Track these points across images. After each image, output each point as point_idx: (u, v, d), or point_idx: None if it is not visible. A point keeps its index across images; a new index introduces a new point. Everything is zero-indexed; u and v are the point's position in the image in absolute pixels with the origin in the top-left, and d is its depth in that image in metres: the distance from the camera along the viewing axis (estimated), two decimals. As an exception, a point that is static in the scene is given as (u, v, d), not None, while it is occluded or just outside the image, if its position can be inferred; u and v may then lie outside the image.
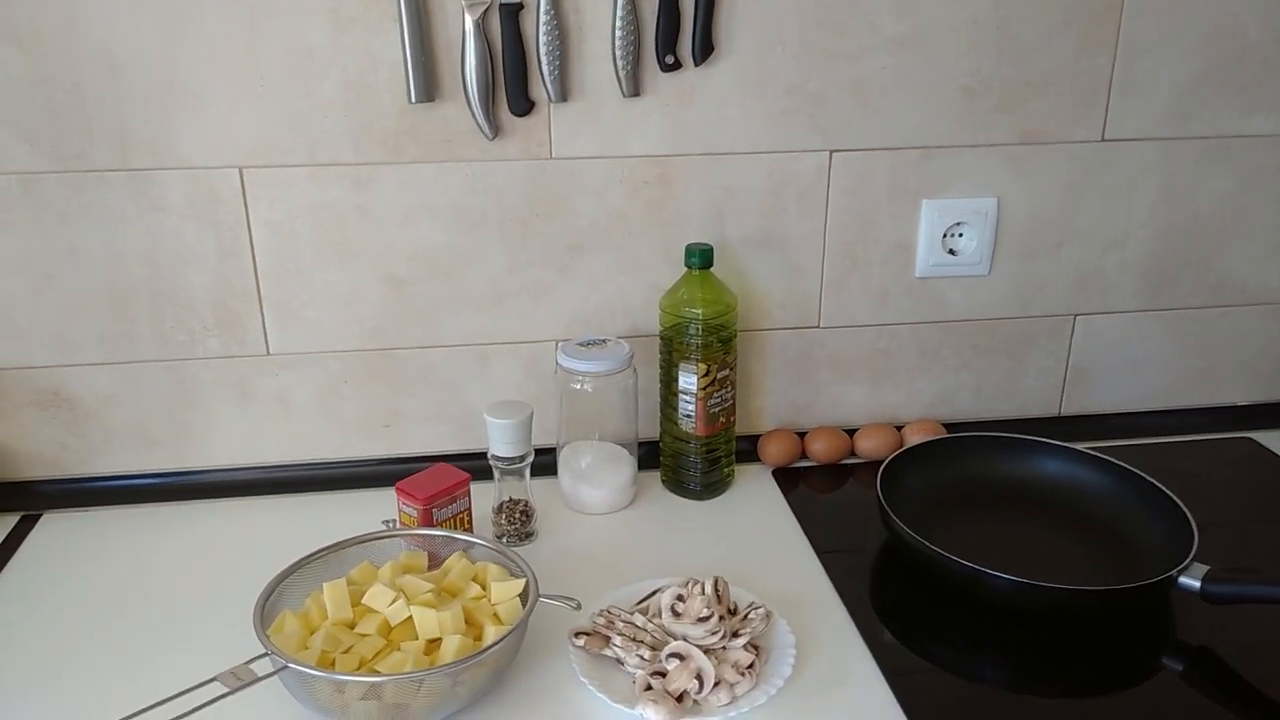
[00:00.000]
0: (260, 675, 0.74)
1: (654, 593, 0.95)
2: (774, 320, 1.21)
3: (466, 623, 0.85)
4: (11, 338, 1.09)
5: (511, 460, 1.05)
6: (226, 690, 0.72)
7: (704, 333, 1.10)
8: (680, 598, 0.89)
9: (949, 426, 1.26)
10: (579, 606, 0.87)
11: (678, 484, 1.17)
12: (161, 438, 1.16)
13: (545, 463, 1.15)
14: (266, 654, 0.77)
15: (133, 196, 1.06)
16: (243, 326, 1.13)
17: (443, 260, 1.13)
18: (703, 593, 0.89)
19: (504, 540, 1.07)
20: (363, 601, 0.84)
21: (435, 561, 0.96)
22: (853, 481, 1.21)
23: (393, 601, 0.84)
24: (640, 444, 1.18)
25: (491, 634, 0.82)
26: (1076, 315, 1.27)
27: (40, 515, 1.13)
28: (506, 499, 1.07)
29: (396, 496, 1.02)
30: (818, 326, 1.23)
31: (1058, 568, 1.00)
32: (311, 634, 0.82)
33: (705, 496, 1.16)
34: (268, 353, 1.14)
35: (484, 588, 0.89)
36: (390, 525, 0.96)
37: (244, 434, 1.17)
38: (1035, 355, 1.28)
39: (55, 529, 1.11)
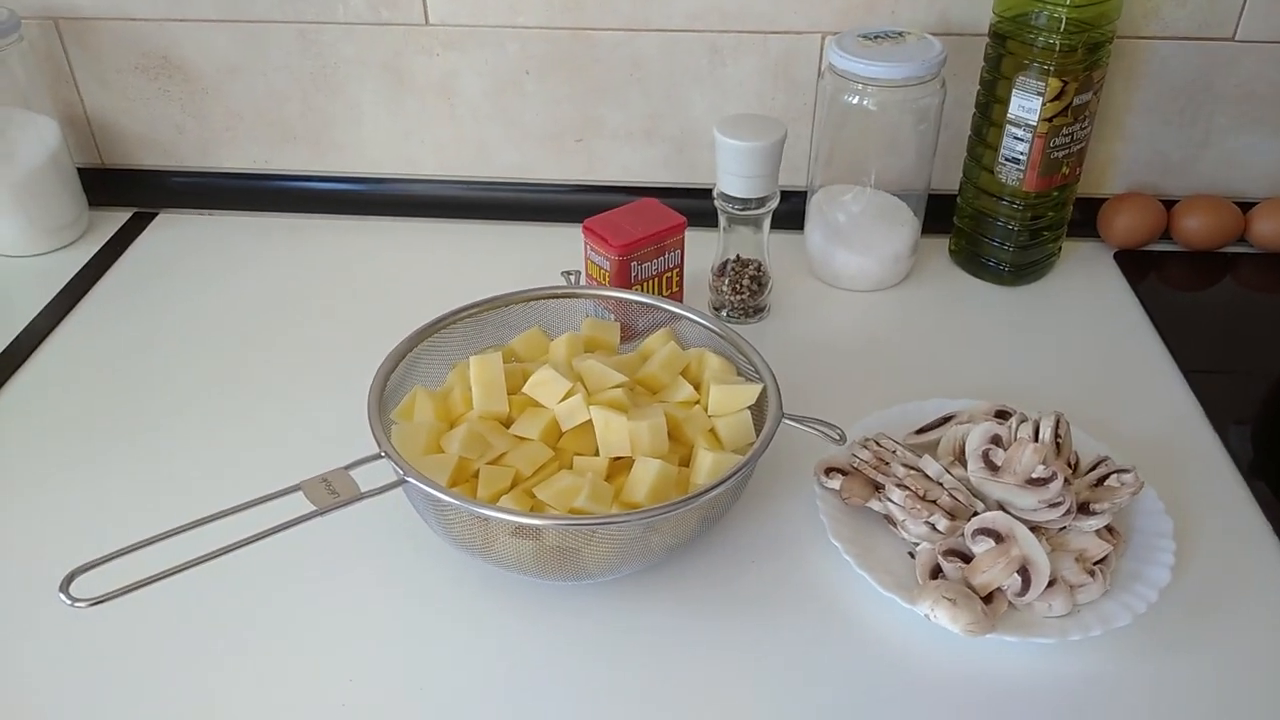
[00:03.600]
0: (363, 492, 0.49)
1: (944, 420, 0.63)
2: (1164, 23, 0.79)
3: (671, 438, 0.57)
4: (108, -22, 0.83)
5: (748, 203, 0.72)
6: (314, 510, 0.48)
7: (1066, 30, 0.70)
8: (997, 440, 0.57)
9: (1404, 213, 0.82)
10: (843, 438, 0.56)
11: (974, 260, 0.82)
12: (298, 129, 0.90)
13: (789, 211, 0.82)
14: (381, 454, 0.52)
15: None
16: (394, -19, 0.82)
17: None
18: (1035, 437, 0.57)
19: (724, 314, 0.77)
20: (524, 390, 0.57)
21: (629, 337, 0.67)
22: (1235, 280, 0.82)
23: (567, 396, 0.56)
24: (928, 198, 0.82)
25: (707, 466, 0.54)
26: None
27: (155, 215, 0.92)
28: (733, 257, 0.76)
29: (584, 239, 0.73)
30: (1232, 39, 0.79)
31: None
32: (451, 427, 0.57)
33: (1015, 281, 0.81)
34: (426, 21, 0.84)
35: (698, 388, 0.60)
36: (573, 279, 0.68)
37: (398, 133, 0.89)
38: None
39: (169, 232, 0.89)
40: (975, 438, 0.58)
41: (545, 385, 0.56)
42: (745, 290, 0.76)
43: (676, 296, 0.76)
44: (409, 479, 0.50)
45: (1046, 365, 0.73)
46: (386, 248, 0.87)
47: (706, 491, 0.51)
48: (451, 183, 0.91)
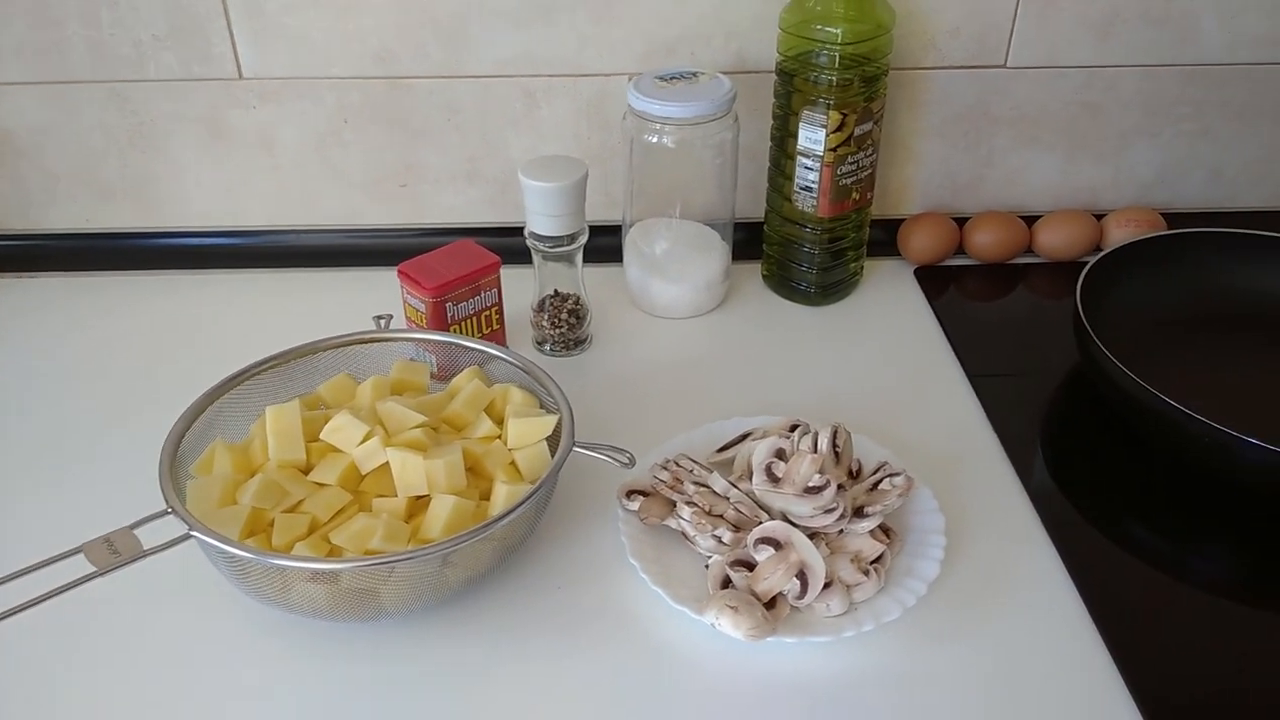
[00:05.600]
0: (146, 550, 0.50)
1: (743, 437, 0.67)
2: (940, 55, 0.85)
3: (471, 473, 0.59)
4: (-96, 43, 0.82)
5: (556, 241, 0.75)
6: (95, 570, 0.48)
7: (841, 65, 0.75)
8: (781, 453, 0.61)
9: (1169, 220, 0.90)
10: (632, 462, 0.59)
11: (784, 283, 0.86)
12: (118, 187, 0.89)
13: (609, 245, 0.86)
14: (168, 510, 0.52)
15: None
16: (205, 36, 0.83)
17: (469, -52, 0.80)
18: (815, 448, 0.61)
19: (546, 348, 0.80)
20: (321, 436, 0.59)
21: (446, 378, 0.69)
22: (1024, 288, 0.89)
23: (365, 439, 0.58)
24: (736, 226, 0.87)
25: (502, 498, 0.56)
26: (1387, 64, 0.87)
27: (-29, 280, 0.90)
28: (551, 292, 0.79)
29: (400, 283, 0.75)
30: (1003, 66, 0.86)
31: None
32: (251, 478, 0.57)
33: (821, 301, 0.86)
34: (240, 75, 0.85)
35: (500, 423, 0.62)
36: (384, 323, 0.69)
37: (221, 186, 0.90)
38: (1314, 122, 0.89)
39: (-13, 298, 0.88)
40: (760, 452, 0.61)
41: (342, 430, 0.58)
42: (564, 324, 0.79)
43: (497, 334, 0.78)
44: (194, 533, 0.50)
45: (848, 378, 0.77)
46: (216, 301, 0.87)
47: (495, 522, 0.53)
48: (280, 233, 0.92)
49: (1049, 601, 0.59)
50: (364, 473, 0.58)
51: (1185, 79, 0.86)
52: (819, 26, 0.75)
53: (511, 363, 0.65)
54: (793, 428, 0.66)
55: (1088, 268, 0.75)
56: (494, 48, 0.84)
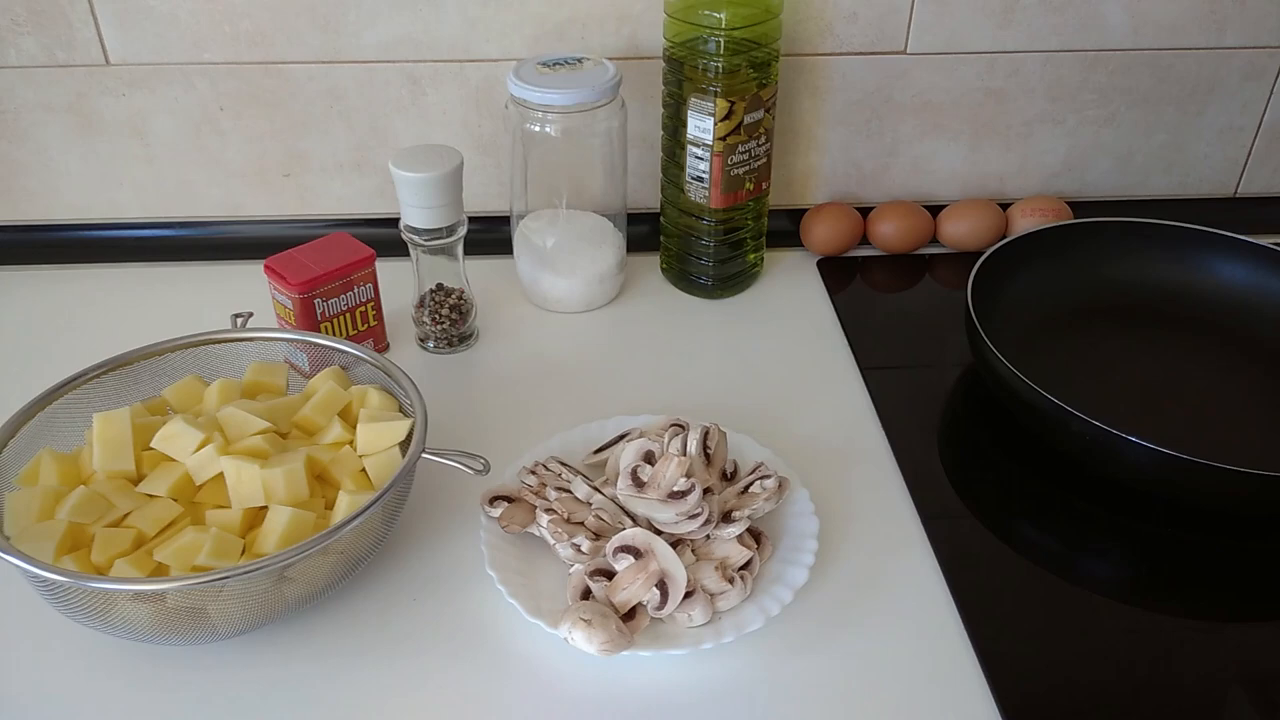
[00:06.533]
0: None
1: (620, 438, 0.64)
2: (838, 40, 0.83)
3: (320, 481, 0.56)
4: None
5: (433, 234, 0.72)
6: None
7: (728, 51, 0.72)
8: (649, 456, 0.58)
9: (1076, 208, 0.89)
10: (486, 468, 0.56)
11: (682, 275, 0.84)
12: (-17, 179, 0.85)
13: (505, 236, 0.83)
14: (-25, 528, 0.49)
15: None
16: (66, 20, 0.78)
17: (342, -74, 0.76)
18: (683, 451, 0.58)
19: (430, 345, 0.77)
20: (153, 444, 0.55)
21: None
22: (930, 279, 0.87)
23: (200, 447, 0.54)
24: (633, 216, 0.84)
25: (344, 507, 0.53)
26: (1291, 50, 0.85)
27: None
28: (434, 286, 0.76)
29: (267, 279, 0.71)
30: (903, 52, 0.83)
31: (1228, 429, 0.67)
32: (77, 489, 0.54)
33: (720, 294, 0.83)
34: (107, 62, 0.80)
35: (355, 428, 0.59)
36: (241, 321, 0.66)
37: (93, 177, 0.85)
38: (1219, 107, 0.87)
39: None
40: (628, 455, 0.59)
41: (175, 438, 0.54)
42: (446, 320, 0.75)
43: (374, 331, 0.75)
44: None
45: (742, 374, 0.75)
46: (88, 296, 0.83)
47: (333, 532, 0.50)
48: (158, 225, 0.87)
49: (919, 607, 0.57)
50: (198, 483, 0.54)
51: (1089, 65, 0.85)
52: (704, 11, 0.72)
53: (370, 362, 0.62)
54: (674, 426, 0.64)
55: (981, 260, 0.73)
56: (375, 31, 0.80)
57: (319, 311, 0.71)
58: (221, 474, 0.54)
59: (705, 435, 0.59)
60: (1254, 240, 0.77)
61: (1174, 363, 0.74)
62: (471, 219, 0.80)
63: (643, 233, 0.86)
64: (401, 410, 0.60)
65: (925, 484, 0.65)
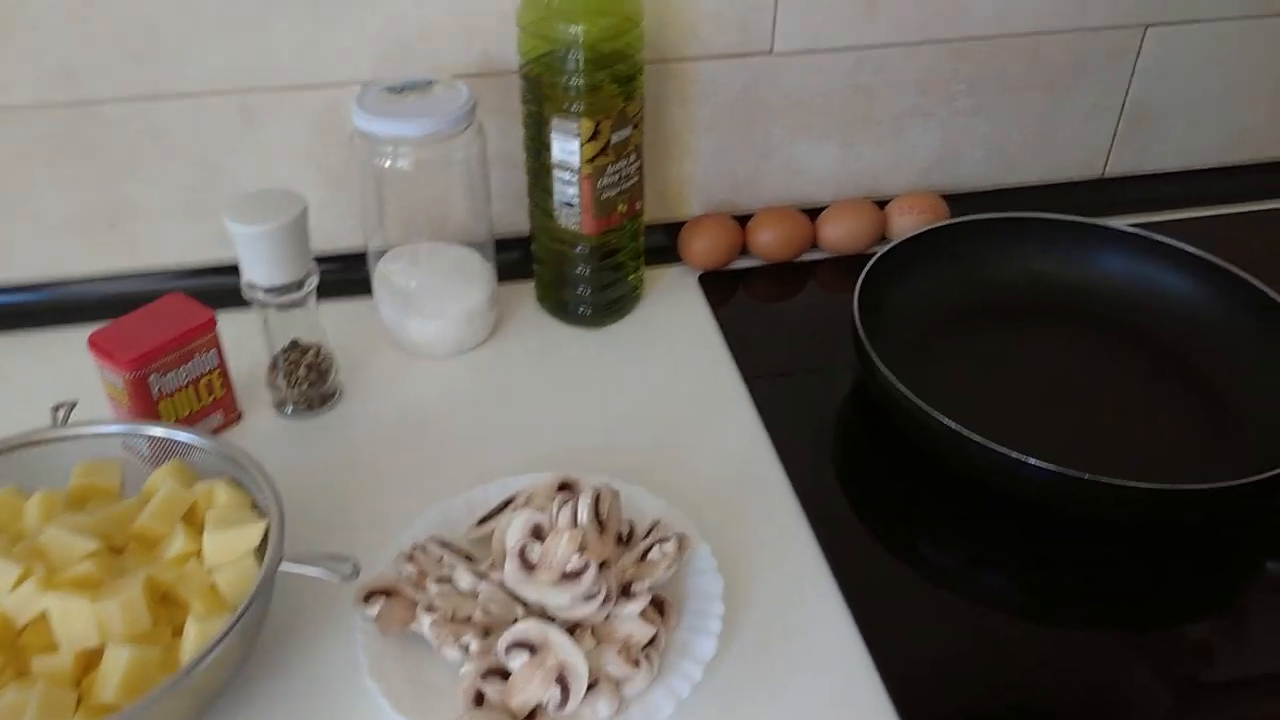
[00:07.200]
0: None
1: (505, 504, 0.59)
2: (702, 43, 0.78)
3: (166, 604, 0.49)
4: None
5: (279, 290, 0.65)
6: None
7: (589, 67, 0.67)
8: (538, 530, 0.54)
9: (951, 200, 0.87)
10: (354, 572, 0.51)
11: (559, 305, 0.79)
12: None
13: (364, 276, 0.76)
14: None
15: None
16: None
17: (143, -52, 0.68)
18: (573, 521, 0.54)
19: (289, 410, 0.70)
20: (-39, 584, 0.48)
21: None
22: (815, 285, 0.84)
23: (17, 583, 0.47)
24: (503, 243, 0.79)
25: (193, 638, 0.47)
26: (1148, 26, 0.85)
27: None
28: (287, 344, 0.69)
29: (93, 357, 0.63)
30: (769, 52, 0.80)
31: (1120, 434, 0.67)
32: None
33: (600, 322, 0.79)
34: (-119, 114, 0.70)
35: (202, 534, 0.53)
36: (62, 414, 0.58)
37: (-120, 244, 0.75)
38: (1084, 88, 0.87)
39: None
40: (514, 533, 0.54)
41: (-13, 575, 0.47)
42: (303, 382, 0.69)
43: (223, 402, 0.68)
44: None
45: (629, 410, 0.71)
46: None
47: (185, 673, 0.44)
48: (-36, 291, 0.78)
49: (831, 657, 0.54)
50: (19, 626, 0.47)
51: (955, 55, 0.83)
52: (560, 25, 0.67)
53: (213, 453, 0.56)
54: (561, 486, 0.59)
55: (863, 275, 0.71)
56: (198, 61, 0.72)
57: (155, 390, 0.63)
58: (46, 612, 0.47)
59: (596, 500, 0.55)
60: (1128, 229, 0.77)
61: (1063, 361, 0.73)
62: (326, 259, 0.74)
63: (514, 259, 0.81)
64: (255, 507, 0.54)
65: (825, 514, 0.62)
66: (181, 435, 0.57)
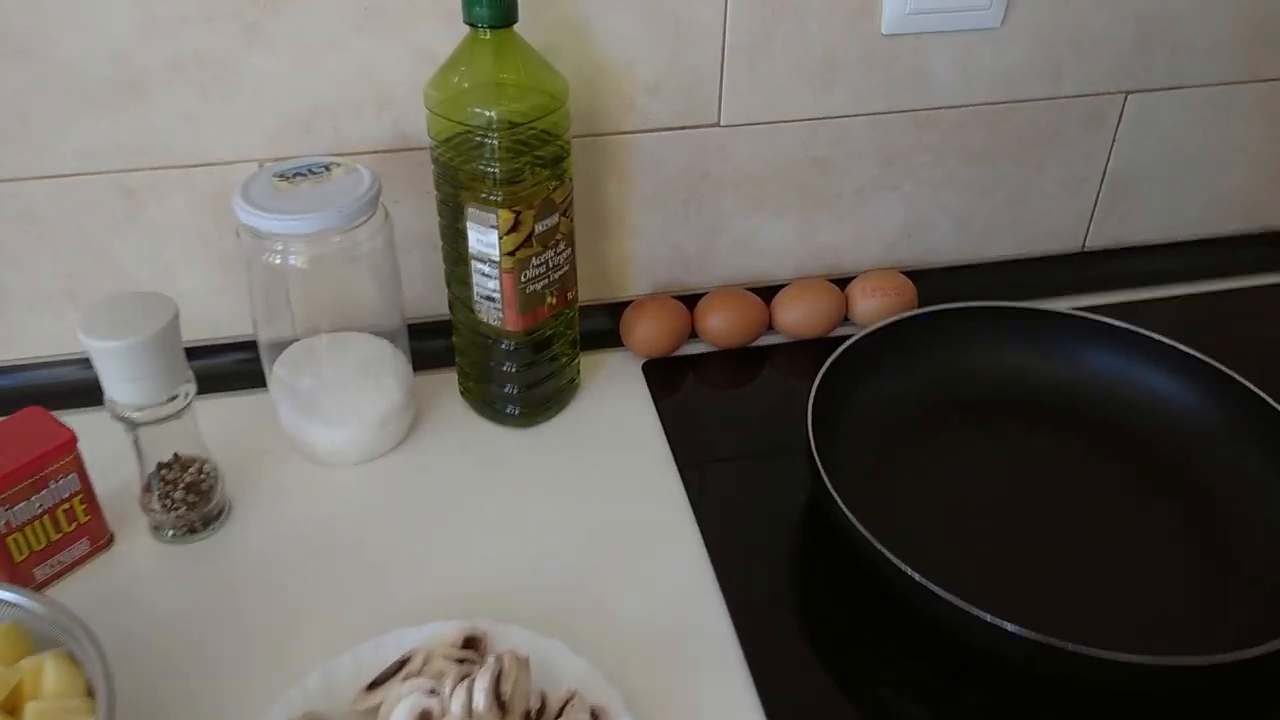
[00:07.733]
0: None
1: (400, 666, 0.51)
2: (643, 116, 0.71)
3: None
4: None
5: (144, 407, 0.57)
6: None
7: (507, 154, 0.60)
8: (427, 717, 0.46)
9: (919, 277, 0.80)
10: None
11: (485, 402, 0.71)
12: None
13: (261, 370, 0.68)
14: None
15: None
16: None
17: (17, 22, 0.60)
18: (468, 707, 0.46)
19: (168, 534, 0.62)
20: None
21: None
22: (771, 372, 0.77)
23: None
24: (420, 329, 0.71)
25: None
26: (1129, 94, 0.79)
27: None
28: (166, 460, 0.61)
29: (-70, 487, 0.55)
30: (717, 125, 0.73)
31: (1109, 583, 0.59)
32: None
33: (531, 422, 0.71)
34: None
35: (23, 725, 0.44)
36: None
37: None
38: (1060, 158, 0.81)
39: None
40: (399, 718, 0.46)
41: None
42: (180, 504, 0.61)
43: (89, 527, 0.60)
44: None
45: (558, 528, 0.63)
46: None
47: None
48: None
49: None
50: None
51: (921, 125, 0.76)
52: (472, 108, 0.59)
53: (44, 619, 0.47)
54: (465, 643, 0.51)
55: (820, 376, 0.63)
56: (73, 139, 0.64)
57: (2, 523, 0.55)
58: None
59: (496, 678, 0.47)
60: (1119, 324, 0.69)
61: (1046, 479, 0.65)
62: (221, 348, 0.66)
63: (435, 347, 0.73)
64: (89, 688, 0.46)
65: (772, 667, 0.54)
66: (20, 599, 0.48)
